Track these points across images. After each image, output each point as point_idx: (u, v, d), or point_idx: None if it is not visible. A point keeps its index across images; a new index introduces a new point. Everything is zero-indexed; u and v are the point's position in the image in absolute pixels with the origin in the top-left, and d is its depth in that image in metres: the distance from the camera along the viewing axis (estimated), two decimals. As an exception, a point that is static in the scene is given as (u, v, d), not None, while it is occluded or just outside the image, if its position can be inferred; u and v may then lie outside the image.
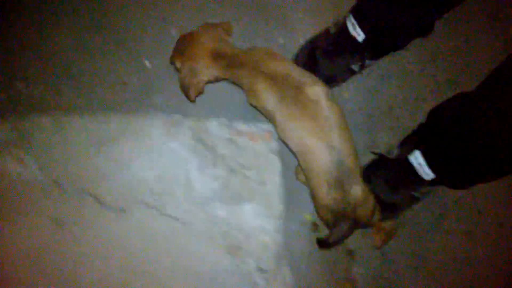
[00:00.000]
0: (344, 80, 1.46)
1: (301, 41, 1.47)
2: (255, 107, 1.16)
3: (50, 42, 1.37)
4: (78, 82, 1.31)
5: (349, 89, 1.45)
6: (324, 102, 1.01)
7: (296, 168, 1.24)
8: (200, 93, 1.19)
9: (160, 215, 1.11)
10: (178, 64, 1.17)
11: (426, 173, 1.18)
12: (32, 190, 1.10)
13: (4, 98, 1.29)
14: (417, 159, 1.18)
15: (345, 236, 1.08)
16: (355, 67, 1.40)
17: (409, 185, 1.26)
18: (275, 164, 1.18)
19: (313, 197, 1.06)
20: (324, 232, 1.26)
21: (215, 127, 1.17)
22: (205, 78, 1.15)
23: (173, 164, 1.14)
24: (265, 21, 1.49)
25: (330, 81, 1.44)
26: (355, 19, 1.26)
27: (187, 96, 1.16)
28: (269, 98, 1.05)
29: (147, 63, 1.36)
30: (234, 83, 1.19)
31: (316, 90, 1.01)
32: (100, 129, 1.12)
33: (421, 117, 1.29)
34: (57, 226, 1.08)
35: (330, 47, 1.39)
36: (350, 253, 1.34)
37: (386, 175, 1.28)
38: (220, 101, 1.26)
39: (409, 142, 1.26)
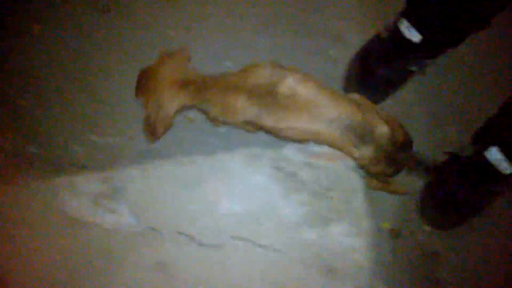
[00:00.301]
0: (403, 83, 1.45)
1: (352, 50, 1.47)
2: (228, 123, 1.13)
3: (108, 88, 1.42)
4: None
5: (409, 91, 1.45)
6: (299, 90, 1.03)
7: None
8: (168, 128, 1.14)
9: (254, 246, 1.14)
10: (142, 101, 1.14)
11: (505, 167, 1.16)
12: (130, 239, 1.15)
13: (83, 151, 1.36)
14: (494, 154, 1.17)
15: (419, 161, 1.23)
16: (413, 69, 1.39)
17: (488, 181, 1.25)
18: (356, 181, 1.19)
19: (361, 167, 1.15)
20: (406, 237, 1.27)
21: (292, 153, 1.19)
22: (173, 110, 1.12)
23: (258, 196, 1.17)
24: (313, 35, 1.50)
25: (388, 86, 1.43)
26: (409, 21, 1.25)
27: (154, 133, 1.13)
28: (247, 111, 1.05)
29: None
30: (200, 109, 1.18)
31: (286, 84, 1.04)
32: (186, 172, 1.16)
33: (488, 109, 1.26)
34: (159, 270, 1.13)
35: (384, 52, 1.38)
36: (434, 255, 1.34)
37: (462, 174, 1.27)
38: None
39: (483, 137, 1.24)
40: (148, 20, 1.51)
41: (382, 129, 1.06)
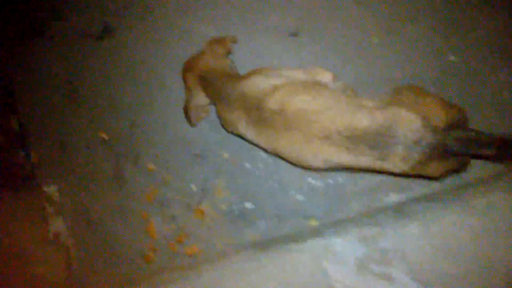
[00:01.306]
0: None
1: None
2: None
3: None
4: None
5: None
6: (287, 105, 0.87)
7: None
8: (201, 118, 1.18)
9: None
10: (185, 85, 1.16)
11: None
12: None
13: (304, 198, 1.19)
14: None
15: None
16: None
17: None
18: None
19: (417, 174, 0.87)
20: None
21: None
22: (202, 103, 1.11)
23: None
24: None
25: None
26: None
27: (189, 120, 1.18)
28: (239, 125, 0.97)
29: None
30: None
31: (275, 98, 0.88)
32: (484, 220, 0.87)
33: None
34: None
35: None
36: None
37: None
38: None
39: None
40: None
41: (406, 119, 0.78)
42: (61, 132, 1.50)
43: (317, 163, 0.89)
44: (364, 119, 0.80)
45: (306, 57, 1.29)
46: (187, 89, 1.13)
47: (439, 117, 0.81)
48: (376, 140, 0.79)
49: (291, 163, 0.98)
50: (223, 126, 1.07)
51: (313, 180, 1.23)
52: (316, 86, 0.91)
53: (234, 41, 1.19)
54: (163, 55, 1.37)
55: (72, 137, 1.49)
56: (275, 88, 0.89)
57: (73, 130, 1.48)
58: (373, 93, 1.15)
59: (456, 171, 0.89)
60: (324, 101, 0.86)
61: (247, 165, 1.28)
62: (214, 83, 1.03)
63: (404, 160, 0.80)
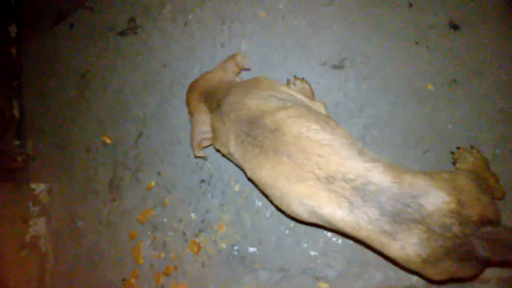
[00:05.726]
0: None
1: None
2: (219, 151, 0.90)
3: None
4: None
5: None
6: (286, 126, 0.67)
7: None
8: (203, 147, 0.97)
9: None
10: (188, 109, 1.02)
11: None
12: None
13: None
14: None
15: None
16: None
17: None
18: None
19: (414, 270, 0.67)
20: None
21: None
22: (205, 129, 0.93)
23: None
24: None
25: None
26: None
27: (193, 150, 1.00)
28: (229, 143, 0.77)
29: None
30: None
31: (275, 116, 0.69)
32: None
33: None
34: None
35: None
36: None
37: None
38: None
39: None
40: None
41: (438, 196, 0.60)
42: (64, 129, 1.37)
43: (301, 211, 0.67)
44: (387, 175, 0.61)
45: (350, 93, 1.13)
46: (190, 113, 0.98)
47: (474, 207, 0.62)
48: (394, 206, 0.59)
49: (275, 206, 0.76)
50: (213, 141, 0.90)
51: (332, 235, 1.05)
52: (331, 121, 0.72)
53: (244, 59, 1.02)
54: (187, 63, 1.24)
55: (74, 136, 1.35)
56: (280, 108, 0.71)
57: (77, 128, 1.35)
58: (416, 145, 1.01)
59: (463, 280, 0.74)
60: (335, 137, 0.66)
61: (259, 203, 1.12)
62: (216, 95, 0.87)
63: (418, 246, 0.59)
